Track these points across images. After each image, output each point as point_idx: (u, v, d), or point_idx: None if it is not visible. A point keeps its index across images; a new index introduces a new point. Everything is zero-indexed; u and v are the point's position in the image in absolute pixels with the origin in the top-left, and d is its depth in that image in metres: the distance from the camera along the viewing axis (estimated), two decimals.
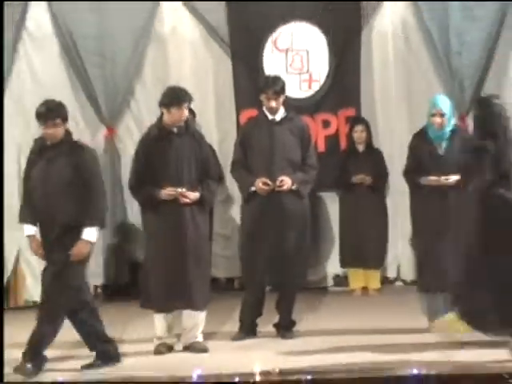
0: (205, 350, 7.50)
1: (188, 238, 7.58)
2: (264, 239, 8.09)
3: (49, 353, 7.36)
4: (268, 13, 10.83)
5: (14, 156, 10.44)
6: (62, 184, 6.94)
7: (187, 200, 7.53)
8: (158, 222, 7.64)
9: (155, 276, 7.65)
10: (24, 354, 7.01)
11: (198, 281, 7.61)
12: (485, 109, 7.59)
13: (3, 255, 9.03)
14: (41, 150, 7.19)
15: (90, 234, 6.92)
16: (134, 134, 10.73)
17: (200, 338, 7.70)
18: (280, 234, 8.12)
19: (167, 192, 7.48)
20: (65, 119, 7.08)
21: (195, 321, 7.66)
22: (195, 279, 7.57)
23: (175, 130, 7.69)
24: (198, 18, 10.96)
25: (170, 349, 7.63)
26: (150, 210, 7.67)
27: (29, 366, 6.99)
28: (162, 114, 7.97)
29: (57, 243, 6.96)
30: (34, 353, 7.06)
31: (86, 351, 7.52)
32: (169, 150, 7.64)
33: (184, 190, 7.54)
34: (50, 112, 7.04)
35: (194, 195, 7.55)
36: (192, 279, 7.56)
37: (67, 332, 7.60)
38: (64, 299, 7.01)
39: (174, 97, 7.73)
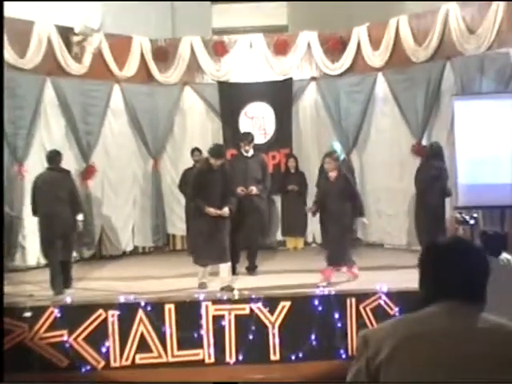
0: (233, 290, 7.22)
1: (219, 228, 7.50)
2: (242, 221, 8.27)
3: None
4: (242, 96, 10.97)
5: (101, 174, 10.41)
6: None
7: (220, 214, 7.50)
8: (201, 223, 7.55)
9: (200, 246, 7.60)
10: None
11: (227, 247, 7.54)
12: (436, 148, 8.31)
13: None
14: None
15: None
16: (168, 165, 11.12)
17: (230, 283, 7.49)
18: (251, 219, 8.47)
19: (210, 211, 7.42)
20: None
21: (226, 271, 7.55)
22: (226, 246, 7.53)
23: (215, 168, 7.60)
24: (203, 99, 11.14)
25: (205, 286, 7.45)
26: (198, 213, 7.60)
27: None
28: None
29: None
30: None
31: None
32: (211, 178, 7.56)
33: (219, 212, 7.43)
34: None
35: (224, 212, 7.47)
36: (225, 246, 7.51)
37: None
38: None
39: (217, 152, 7.67)
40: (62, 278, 7.51)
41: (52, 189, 7.63)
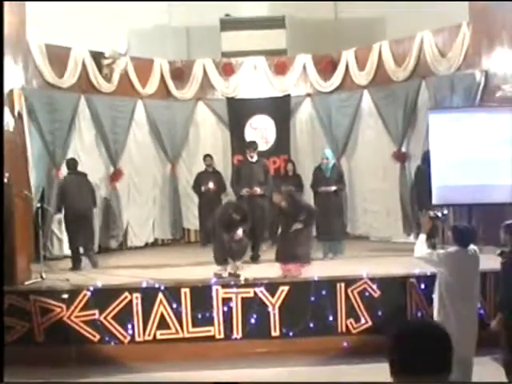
0: (239, 276, 7.11)
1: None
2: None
3: None
4: (246, 110, 10.95)
5: (126, 177, 10.37)
6: None
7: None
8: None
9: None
10: None
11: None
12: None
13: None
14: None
15: None
16: (184, 169, 11.04)
17: (238, 270, 7.36)
18: (255, 215, 8.38)
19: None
20: None
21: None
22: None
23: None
24: (214, 113, 11.11)
25: (221, 276, 7.21)
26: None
27: None
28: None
29: None
30: None
31: None
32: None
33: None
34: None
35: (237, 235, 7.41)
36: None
37: None
38: None
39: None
40: (81, 260, 8.16)
41: (76, 189, 8.27)
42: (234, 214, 7.36)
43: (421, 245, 5.19)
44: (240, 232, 7.39)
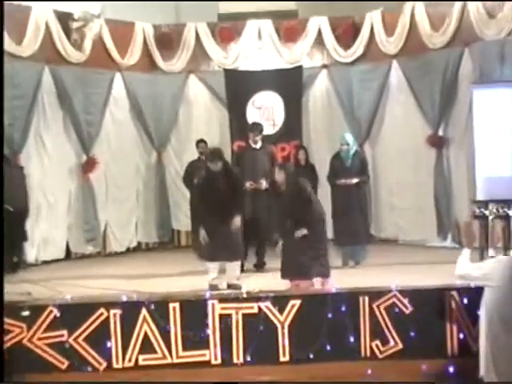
0: (240, 288, 7.20)
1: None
2: (250, 215, 8.41)
3: None
4: (249, 85, 11.08)
5: (103, 167, 10.47)
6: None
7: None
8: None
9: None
10: None
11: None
12: None
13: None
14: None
15: None
16: (172, 157, 11.21)
17: (237, 281, 7.48)
18: (260, 214, 8.56)
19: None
20: None
21: (233, 268, 7.54)
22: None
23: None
24: (209, 88, 11.30)
25: (216, 287, 7.36)
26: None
27: None
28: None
29: None
30: None
31: None
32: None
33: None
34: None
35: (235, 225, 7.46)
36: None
37: None
38: None
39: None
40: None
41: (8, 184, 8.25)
42: (211, 163, 7.37)
43: (465, 262, 5.01)
44: (237, 220, 7.40)
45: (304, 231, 6.97)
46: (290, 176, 7.18)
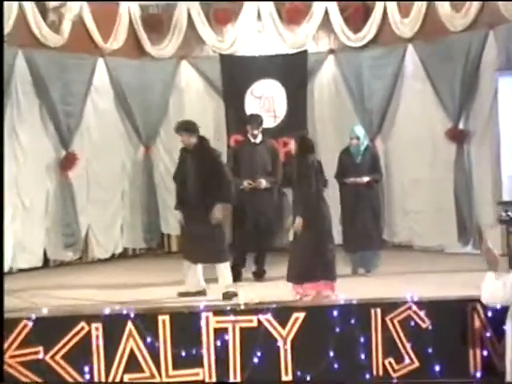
0: (236, 295, 7.32)
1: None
2: (248, 219, 8.53)
3: None
4: (247, 72, 11.08)
5: (84, 163, 10.46)
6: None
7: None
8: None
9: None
10: None
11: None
12: None
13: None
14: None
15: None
16: (161, 152, 11.22)
17: (231, 288, 7.51)
18: (259, 216, 8.57)
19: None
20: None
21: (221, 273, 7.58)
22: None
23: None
24: (203, 76, 11.29)
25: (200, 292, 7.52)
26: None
27: None
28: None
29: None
30: None
31: None
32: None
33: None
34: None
35: (215, 218, 7.48)
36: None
37: None
38: None
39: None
40: None
41: None
42: (182, 136, 7.58)
43: (490, 286, 4.87)
44: (219, 210, 7.37)
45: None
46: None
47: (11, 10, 9.56)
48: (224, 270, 7.61)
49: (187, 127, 7.63)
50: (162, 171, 11.29)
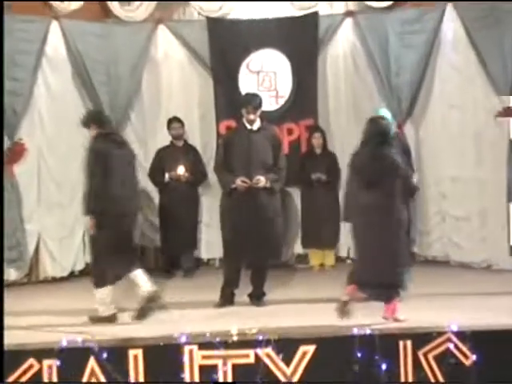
0: (159, 298, 7.84)
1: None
2: (242, 227, 8.50)
3: None
4: (242, 41, 11.14)
5: (34, 155, 10.60)
6: None
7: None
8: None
9: None
10: None
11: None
12: None
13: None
14: None
15: None
16: (133, 140, 10.86)
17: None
18: (256, 223, 8.51)
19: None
20: None
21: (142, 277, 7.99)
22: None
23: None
24: (185, 45, 11.28)
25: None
26: None
27: None
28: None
29: None
30: None
31: None
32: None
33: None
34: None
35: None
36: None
37: None
38: None
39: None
40: None
41: None
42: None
43: None
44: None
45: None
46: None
47: None
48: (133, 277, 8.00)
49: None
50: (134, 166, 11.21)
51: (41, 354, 6.56)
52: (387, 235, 7.43)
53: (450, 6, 10.63)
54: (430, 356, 6.66)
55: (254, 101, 8.83)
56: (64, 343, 6.65)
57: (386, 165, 7.43)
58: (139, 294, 7.87)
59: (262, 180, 8.62)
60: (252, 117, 8.74)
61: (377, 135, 7.59)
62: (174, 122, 10.58)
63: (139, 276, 7.97)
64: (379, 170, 7.41)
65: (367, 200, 7.47)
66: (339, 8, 11.37)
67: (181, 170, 10.46)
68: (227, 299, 8.49)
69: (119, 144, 8.21)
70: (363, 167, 7.55)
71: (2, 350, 6.36)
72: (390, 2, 11.06)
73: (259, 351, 6.62)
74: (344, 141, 10.94)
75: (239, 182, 8.56)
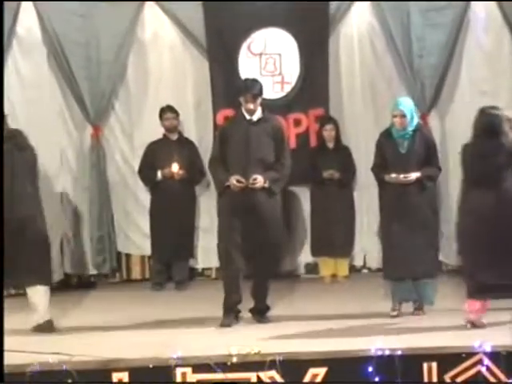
0: (52, 326, 8.21)
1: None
2: (238, 232, 8.48)
3: None
4: (242, 19, 11.22)
5: None
6: None
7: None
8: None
9: None
10: None
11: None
12: None
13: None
14: None
15: None
16: (118, 133, 11.27)
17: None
18: (253, 228, 8.48)
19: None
20: None
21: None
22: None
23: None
24: (177, 24, 11.29)
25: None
26: None
27: None
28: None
29: None
30: None
31: None
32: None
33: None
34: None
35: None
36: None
37: None
38: None
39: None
40: None
41: None
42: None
43: None
44: None
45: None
46: None
47: None
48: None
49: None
50: (119, 162, 11.37)
51: (12, 377, 6.56)
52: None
53: None
54: (459, 380, 6.65)
55: (253, 87, 8.72)
56: (37, 366, 6.61)
57: (501, 158, 7.60)
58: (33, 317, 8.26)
59: (259, 180, 8.55)
60: (251, 106, 8.65)
61: (489, 127, 7.81)
62: (167, 111, 10.61)
63: (40, 296, 8.29)
64: (495, 163, 7.57)
65: (482, 197, 7.70)
66: None
67: (175, 167, 10.49)
68: (232, 316, 8.47)
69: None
70: (476, 162, 7.76)
71: (1, 351, 6.56)
72: None
73: (262, 374, 6.61)
74: (359, 133, 11.06)
75: (234, 181, 8.51)
